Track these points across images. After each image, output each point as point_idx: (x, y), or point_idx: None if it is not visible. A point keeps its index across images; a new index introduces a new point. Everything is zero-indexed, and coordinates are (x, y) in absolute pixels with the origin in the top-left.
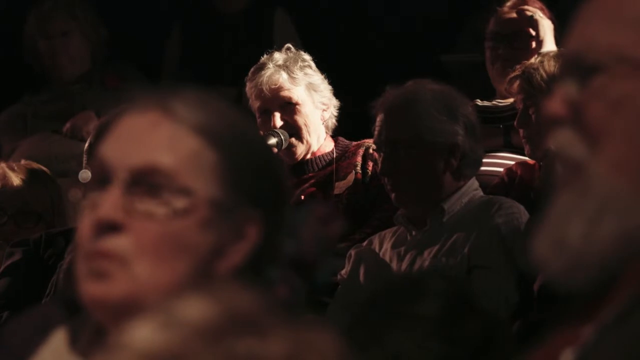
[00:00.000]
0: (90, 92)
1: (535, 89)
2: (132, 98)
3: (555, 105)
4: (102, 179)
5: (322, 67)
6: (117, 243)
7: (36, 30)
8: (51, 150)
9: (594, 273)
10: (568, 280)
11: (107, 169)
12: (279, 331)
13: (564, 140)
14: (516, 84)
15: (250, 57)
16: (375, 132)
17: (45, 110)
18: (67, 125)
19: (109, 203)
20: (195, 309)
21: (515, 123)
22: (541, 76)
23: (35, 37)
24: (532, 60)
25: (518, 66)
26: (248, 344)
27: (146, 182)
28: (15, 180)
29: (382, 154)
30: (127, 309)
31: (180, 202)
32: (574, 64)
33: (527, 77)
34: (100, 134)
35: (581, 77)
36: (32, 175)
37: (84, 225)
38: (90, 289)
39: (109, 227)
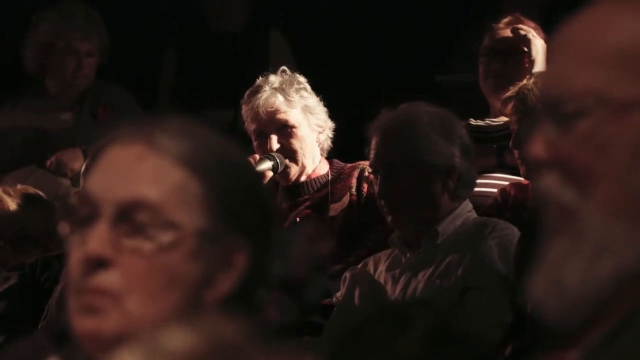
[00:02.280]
0: (81, 125)
1: (529, 110)
2: (117, 130)
3: (537, 149)
4: (89, 214)
5: (317, 87)
6: (108, 280)
7: (50, 43)
8: (36, 189)
9: (589, 311)
10: (565, 320)
11: (93, 204)
12: (262, 356)
13: (551, 185)
14: (510, 104)
15: (246, 79)
16: (371, 155)
17: (34, 137)
18: (52, 159)
19: (97, 239)
20: (179, 339)
21: (510, 144)
22: (536, 96)
23: (46, 49)
24: (526, 81)
25: (512, 87)
26: None
27: (133, 216)
28: (12, 205)
29: (378, 176)
30: (119, 344)
31: (167, 236)
32: (552, 107)
33: (522, 97)
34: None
35: (561, 121)
36: (28, 200)
37: (73, 261)
38: (83, 324)
39: (98, 263)
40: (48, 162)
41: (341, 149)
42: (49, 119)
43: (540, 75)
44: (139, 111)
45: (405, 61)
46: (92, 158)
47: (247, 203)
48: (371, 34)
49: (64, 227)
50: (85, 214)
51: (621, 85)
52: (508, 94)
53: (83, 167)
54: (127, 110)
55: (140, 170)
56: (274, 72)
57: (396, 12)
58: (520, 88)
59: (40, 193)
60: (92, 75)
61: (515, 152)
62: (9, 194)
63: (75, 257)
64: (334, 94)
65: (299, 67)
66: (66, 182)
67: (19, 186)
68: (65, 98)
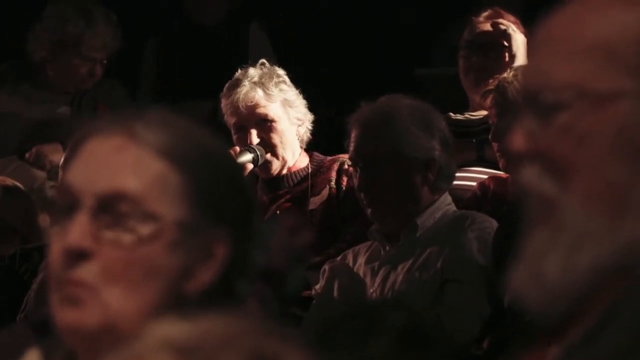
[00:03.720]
0: (79, 120)
1: (509, 103)
2: (96, 121)
3: (517, 141)
4: (70, 205)
5: (296, 80)
6: (88, 272)
7: (68, 45)
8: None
9: (570, 302)
10: (546, 312)
11: (73, 195)
12: (300, 346)
13: (532, 177)
14: (490, 97)
15: (226, 71)
16: (351, 148)
17: (25, 125)
18: (32, 151)
19: (77, 231)
20: (218, 317)
21: (490, 137)
22: (516, 90)
23: (62, 48)
24: (506, 74)
25: (491, 80)
26: (272, 345)
27: (112, 208)
28: None
29: (358, 169)
30: (101, 336)
31: (146, 228)
32: (533, 100)
33: (502, 90)
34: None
35: (542, 113)
36: (6, 191)
37: (54, 252)
38: (64, 316)
39: (78, 255)
40: (27, 154)
41: (321, 142)
42: (47, 110)
43: (521, 69)
44: (131, 105)
45: (384, 55)
46: (71, 150)
47: (227, 194)
48: (351, 27)
49: (44, 219)
50: (65, 206)
51: (601, 77)
52: (488, 87)
53: (62, 159)
54: (122, 105)
55: (120, 162)
56: (253, 64)
57: (377, 5)
58: (500, 81)
59: (18, 184)
60: (99, 78)
61: (495, 145)
62: None
63: (55, 249)
64: (314, 87)
65: (279, 61)
66: (42, 174)
67: None
68: (65, 92)
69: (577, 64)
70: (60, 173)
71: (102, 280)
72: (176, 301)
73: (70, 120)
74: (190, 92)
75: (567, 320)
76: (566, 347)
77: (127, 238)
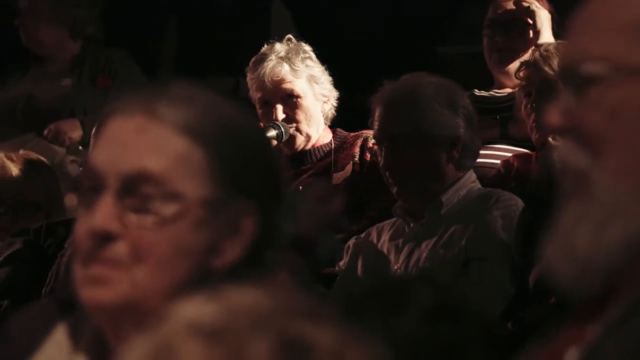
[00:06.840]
0: (79, 91)
1: (547, 76)
2: (118, 100)
3: (554, 116)
4: (94, 186)
5: (318, 58)
6: (117, 251)
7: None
8: None
9: (601, 278)
10: (578, 287)
11: (98, 176)
12: (331, 323)
13: (566, 151)
14: (524, 71)
15: (248, 48)
16: (375, 127)
17: (36, 104)
18: (51, 127)
19: (102, 213)
20: (246, 294)
21: (522, 110)
22: (553, 63)
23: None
24: (544, 46)
25: (522, 54)
26: (300, 326)
27: (137, 189)
28: (14, 170)
29: (383, 148)
30: (127, 313)
31: (171, 209)
32: (570, 76)
33: (540, 62)
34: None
35: (578, 88)
36: (30, 166)
37: (80, 233)
38: (91, 294)
39: (105, 237)
40: (46, 131)
41: (345, 120)
42: (50, 85)
43: (560, 45)
44: (141, 76)
45: (407, 32)
46: (97, 129)
47: (253, 167)
48: (374, 5)
49: (71, 199)
50: (90, 186)
51: (634, 52)
52: (525, 57)
53: (94, 130)
54: (128, 75)
55: (142, 142)
56: (280, 40)
57: None
58: (537, 53)
59: (43, 159)
60: (52, 41)
61: (530, 118)
62: (11, 160)
63: (82, 229)
64: (336, 66)
65: (301, 37)
66: (61, 150)
67: (21, 151)
68: (62, 64)
69: (611, 39)
70: (92, 141)
71: (131, 259)
72: (205, 277)
73: (72, 92)
74: (211, 69)
75: (604, 297)
76: (605, 324)
77: (152, 220)
